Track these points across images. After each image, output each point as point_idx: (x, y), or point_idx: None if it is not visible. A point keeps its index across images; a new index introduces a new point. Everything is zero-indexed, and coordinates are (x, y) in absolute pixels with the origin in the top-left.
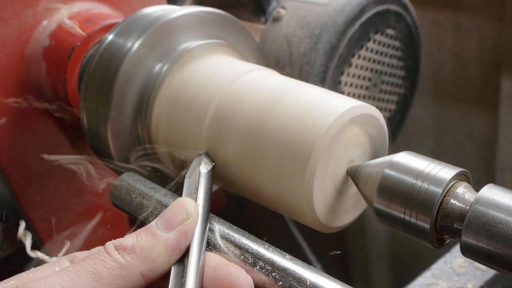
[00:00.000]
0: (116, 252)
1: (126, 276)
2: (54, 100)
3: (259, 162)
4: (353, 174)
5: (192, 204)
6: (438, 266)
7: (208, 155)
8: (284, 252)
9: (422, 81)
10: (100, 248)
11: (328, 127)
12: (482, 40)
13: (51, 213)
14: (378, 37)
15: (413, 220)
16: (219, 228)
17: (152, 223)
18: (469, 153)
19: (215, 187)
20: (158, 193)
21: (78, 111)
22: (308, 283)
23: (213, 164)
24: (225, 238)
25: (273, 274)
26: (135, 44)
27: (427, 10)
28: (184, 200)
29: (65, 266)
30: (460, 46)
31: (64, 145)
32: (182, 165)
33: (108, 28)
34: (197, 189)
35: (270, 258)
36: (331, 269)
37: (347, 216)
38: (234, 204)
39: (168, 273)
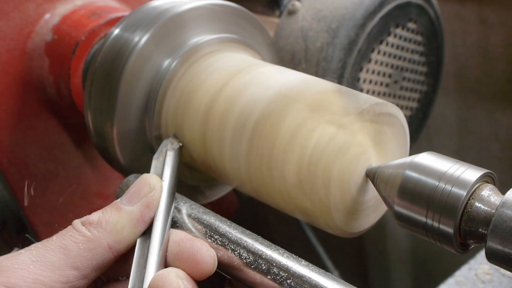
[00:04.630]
0: (83, 227)
1: (93, 249)
2: (57, 97)
3: (272, 162)
4: (372, 176)
5: (155, 178)
6: (462, 273)
7: (175, 136)
8: (299, 258)
9: (445, 77)
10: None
11: (346, 126)
12: (508, 34)
13: (54, 217)
14: (399, 31)
15: (436, 224)
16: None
17: (118, 199)
18: (494, 153)
19: (228, 189)
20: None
21: (82, 109)
22: None
23: (180, 144)
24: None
25: (288, 281)
26: (142, 39)
27: (451, 3)
28: (148, 175)
29: None
30: (485, 41)
31: (67, 145)
32: (193, 166)
33: (114, 22)
34: (163, 167)
35: (285, 265)
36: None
37: (366, 220)
38: (246, 207)
39: (135, 244)
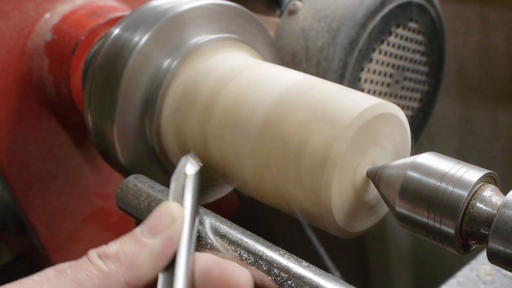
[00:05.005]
0: (100, 260)
1: (109, 285)
2: (57, 97)
3: (274, 162)
4: (373, 176)
5: (177, 207)
6: (464, 274)
7: (195, 155)
8: (300, 259)
9: (447, 77)
10: (83, 256)
11: (347, 126)
12: (509, 34)
13: (54, 218)
14: (400, 31)
15: (437, 225)
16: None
17: (137, 229)
18: (496, 153)
19: (228, 189)
20: (167, 196)
21: (82, 109)
22: None
23: (201, 165)
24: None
25: (289, 282)
26: (142, 39)
27: (452, 2)
28: (169, 204)
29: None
30: (486, 40)
31: (67, 145)
32: None
33: (114, 22)
34: (183, 191)
35: (286, 265)
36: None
37: (367, 220)
38: (247, 208)
39: (155, 281)
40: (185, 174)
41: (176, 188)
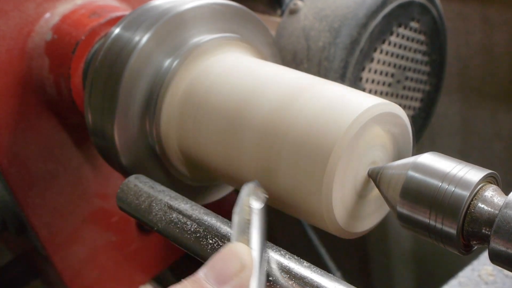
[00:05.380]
0: None
1: None
2: (57, 97)
3: (275, 163)
4: (374, 176)
5: (246, 251)
6: (465, 274)
7: (258, 184)
8: (301, 259)
9: (448, 77)
10: None
11: (348, 126)
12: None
13: (54, 218)
14: (401, 30)
15: (439, 225)
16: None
17: (201, 273)
18: (498, 153)
19: (229, 189)
20: (168, 196)
21: (82, 109)
22: None
23: (266, 196)
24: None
25: (290, 282)
26: (143, 38)
27: (453, 2)
28: (236, 246)
29: None
30: (488, 40)
31: (68, 145)
32: (195, 167)
33: (114, 21)
34: (249, 229)
35: (287, 266)
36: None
37: (369, 220)
38: None
39: None
40: (250, 208)
41: (239, 223)
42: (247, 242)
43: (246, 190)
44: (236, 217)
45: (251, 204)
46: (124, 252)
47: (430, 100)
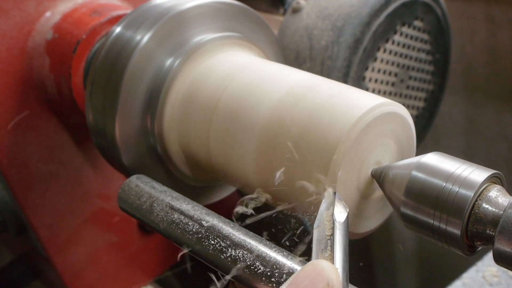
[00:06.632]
0: None
1: None
2: (58, 97)
3: (278, 162)
4: (378, 177)
5: (332, 270)
6: (469, 275)
7: (339, 197)
8: (304, 260)
9: (452, 76)
10: None
11: (351, 126)
12: None
13: (54, 219)
14: (405, 29)
15: (443, 226)
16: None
17: None
18: (502, 153)
19: (231, 190)
20: (169, 196)
21: (83, 108)
22: None
23: (348, 209)
24: None
25: None
26: (144, 37)
27: (458, 1)
28: (322, 265)
29: None
30: (493, 39)
31: (68, 145)
32: (197, 167)
33: (115, 20)
34: (332, 245)
35: (290, 267)
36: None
37: (372, 221)
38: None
39: None
40: (333, 223)
41: (320, 239)
42: (330, 259)
43: (326, 204)
44: (316, 233)
45: (334, 219)
46: (125, 253)
47: (434, 99)
